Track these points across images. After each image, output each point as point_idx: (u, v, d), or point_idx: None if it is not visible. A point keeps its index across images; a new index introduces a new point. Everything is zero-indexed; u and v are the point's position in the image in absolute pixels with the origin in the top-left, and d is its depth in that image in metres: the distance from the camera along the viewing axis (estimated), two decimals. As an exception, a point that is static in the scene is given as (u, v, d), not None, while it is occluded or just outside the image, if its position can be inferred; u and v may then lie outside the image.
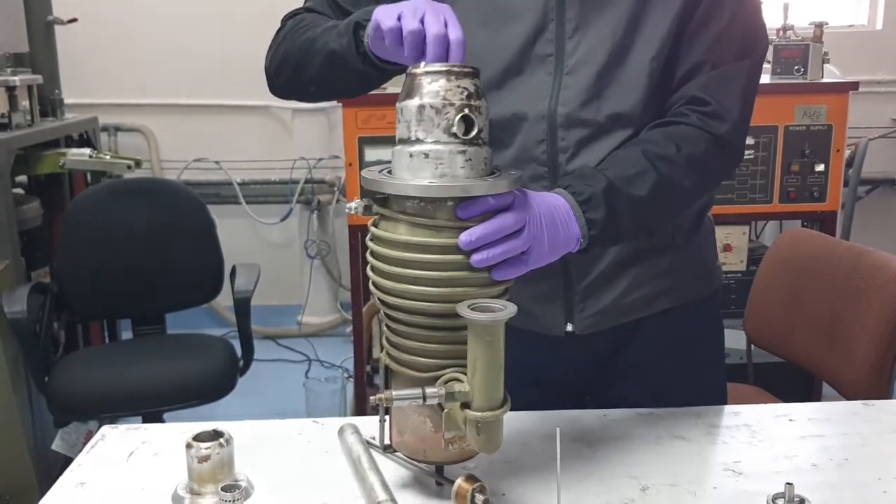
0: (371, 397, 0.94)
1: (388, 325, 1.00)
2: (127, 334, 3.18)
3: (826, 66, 2.87)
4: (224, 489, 0.86)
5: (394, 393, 0.94)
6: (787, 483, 1.00)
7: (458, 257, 0.92)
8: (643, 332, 1.29)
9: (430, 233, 0.93)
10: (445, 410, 0.93)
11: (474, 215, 0.92)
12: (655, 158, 1.10)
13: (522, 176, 0.99)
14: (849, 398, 1.78)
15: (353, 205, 0.98)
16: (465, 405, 0.91)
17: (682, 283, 1.29)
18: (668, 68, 1.16)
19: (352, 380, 3.30)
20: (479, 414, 0.90)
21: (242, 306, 2.70)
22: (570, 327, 1.27)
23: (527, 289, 1.10)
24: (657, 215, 1.14)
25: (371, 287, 0.99)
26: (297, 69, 1.20)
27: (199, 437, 1.03)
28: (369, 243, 0.98)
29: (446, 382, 0.93)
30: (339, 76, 1.15)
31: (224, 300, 3.11)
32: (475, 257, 0.92)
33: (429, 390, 0.92)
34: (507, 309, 0.89)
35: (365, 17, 1.08)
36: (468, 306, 0.89)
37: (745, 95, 1.17)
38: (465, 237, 0.91)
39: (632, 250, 1.24)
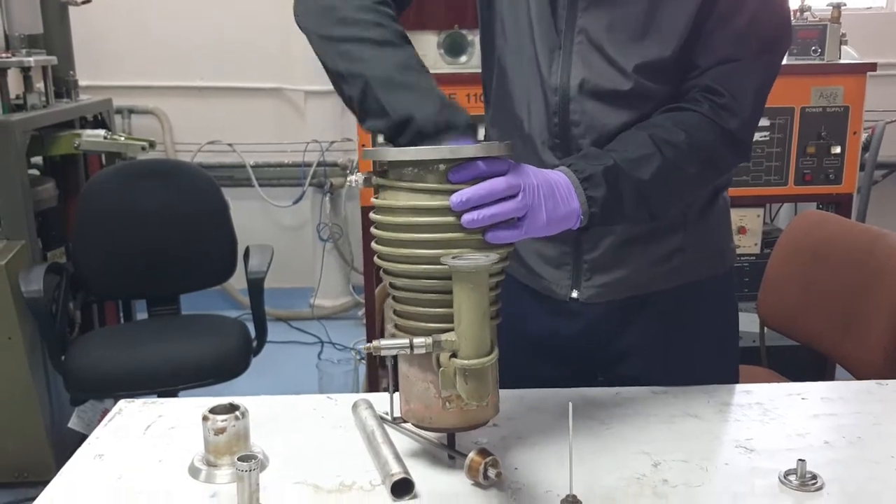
0: (360, 346, 0.96)
1: (393, 296, 1.02)
2: (142, 315, 3.20)
3: (843, 47, 2.85)
4: (240, 459, 0.87)
5: (382, 342, 0.96)
6: (800, 459, 1.01)
7: (452, 219, 0.95)
8: (653, 307, 1.30)
9: (425, 197, 0.96)
10: (441, 368, 0.95)
11: (466, 179, 0.95)
12: (662, 143, 1.11)
13: (513, 144, 1.02)
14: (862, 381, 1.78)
15: (353, 178, 1.02)
16: (455, 356, 0.93)
17: (692, 261, 1.29)
18: (685, 56, 1.15)
19: (364, 362, 3.31)
20: (467, 362, 0.91)
21: (256, 287, 2.72)
22: (575, 294, 1.28)
23: (538, 248, 1.10)
24: (659, 200, 1.14)
25: (375, 258, 1.01)
26: (333, 76, 1.10)
27: (215, 410, 1.04)
28: (372, 215, 1.01)
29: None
30: None
31: (237, 283, 3.13)
32: (466, 217, 0.94)
33: (416, 340, 0.95)
34: (490, 258, 0.91)
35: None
36: (452, 257, 0.92)
37: (759, 93, 1.17)
38: (455, 197, 0.94)
39: (643, 230, 1.25)
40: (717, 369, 1.35)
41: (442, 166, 0.95)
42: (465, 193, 0.94)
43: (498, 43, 1.26)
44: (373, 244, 1.01)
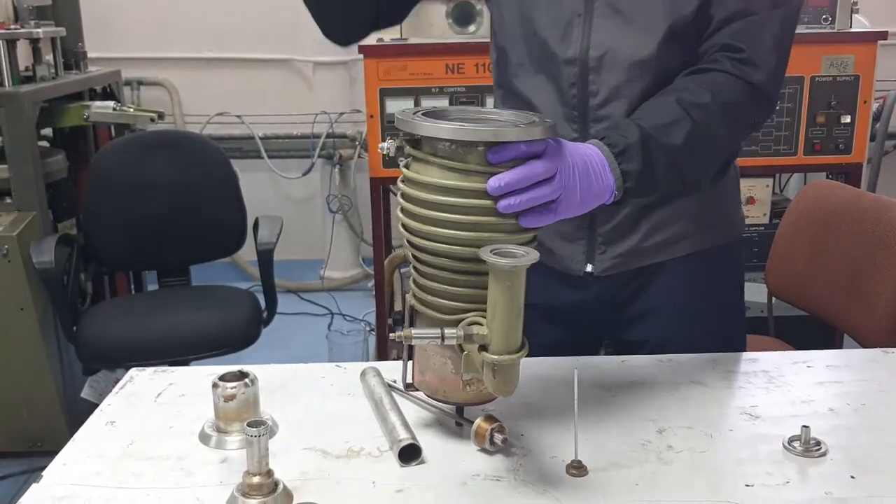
0: (391, 335, 0.95)
1: (415, 267, 1.01)
2: (152, 286, 3.22)
3: (854, 16, 2.81)
4: (250, 425, 0.88)
5: (414, 331, 0.95)
6: (804, 426, 1.02)
7: (487, 202, 0.93)
8: (663, 275, 1.30)
9: (460, 176, 0.93)
10: (465, 353, 0.94)
11: (505, 160, 0.92)
12: (690, 106, 1.10)
13: (556, 125, 0.99)
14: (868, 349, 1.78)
15: (385, 145, 0.99)
16: (483, 348, 0.92)
17: (703, 228, 1.30)
18: (701, 16, 1.15)
19: (374, 333, 3.34)
20: (497, 357, 0.90)
21: (265, 258, 2.73)
22: (589, 268, 1.28)
23: (551, 226, 1.10)
24: (692, 164, 1.14)
25: (400, 228, 1.00)
26: None
27: (224, 378, 1.05)
28: (400, 184, 0.99)
29: (467, 325, 0.94)
30: None
31: (247, 255, 3.14)
32: (502, 203, 0.92)
33: (448, 331, 0.93)
34: (529, 255, 0.89)
35: None
36: (491, 251, 0.89)
37: (778, 44, 1.16)
38: (493, 182, 0.91)
39: (656, 198, 1.24)
40: (724, 337, 1.36)
41: (481, 147, 0.92)
42: (504, 178, 0.91)
43: (495, 20, 1.25)
44: (399, 213, 0.99)
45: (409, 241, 0.99)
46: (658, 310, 1.32)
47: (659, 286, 1.31)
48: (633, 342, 1.34)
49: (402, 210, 0.98)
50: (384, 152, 1.00)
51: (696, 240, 1.29)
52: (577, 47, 1.18)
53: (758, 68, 1.13)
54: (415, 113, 0.97)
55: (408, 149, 0.98)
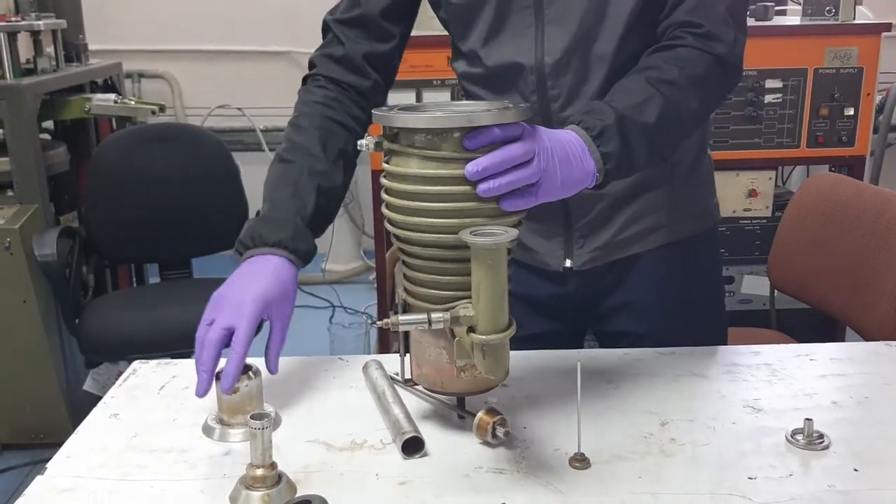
0: (378, 322, 0.96)
1: (403, 260, 1.02)
2: (154, 279, 3.22)
3: (858, 7, 2.80)
4: (253, 418, 0.88)
5: (401, 318, 0.95)
6: (807, 419, 1.02)
7: (467, 188, 0.93)
8: (639, 267, 1.32)
9: (438, 165, 0.94)
10: (456, 339, 0.95)
11: (481, 146, 0.93)
12: (659, 83, 1.10)
13: (530, 107, 0.99)
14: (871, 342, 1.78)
15: (364, 141, 1.00)
16: (472, 329, 0.92)
17: (678, 219, 1.31)
18: (651, 4, 1.16)
19: (375, 326, 3.33)
20: (485, 337, 0.91)
21: (267, 251, 2.73)
22: (568, 263, 1.30)
23: (527, 225, 1.12)
24: (668, 140, 1.14)
25: (385, 223, 1.01)
26: None
27: (227, 370, 1.05)
28: (382, 180, 0.99)
29: (454, 309, 0.94)
30: None
31: (249, 246, 3.14)
32: (481, 186, 0.92)
33: (434, 315, 0.94)
34: (509, 233, 0.90)
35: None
36: (470, 232, 0.90)
37: (733, 14, 1.16)
38: (471, 167, 0.92)
39: (631, 186, 1.26)
40: (703, 327, 1.38)
41: (456, 133, 0.93)
42: (481, 162, 0.91)
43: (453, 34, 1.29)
44: (383, 209, 1.00)
45: (395, 235, 1.00)
46: (636, 301, 1.33)
47: (635, 278, 1.32)
48: (614, 333, 1.35)
49: (387, 205, 0.99)
50: (362, 148, 1.01)
51: (670, 231, 1.31)
52: (531, 56, 1.20)
53: (719, 41, 1.14)
54: (390, 109, 0.98)
55: (386, 143, 0.98)
